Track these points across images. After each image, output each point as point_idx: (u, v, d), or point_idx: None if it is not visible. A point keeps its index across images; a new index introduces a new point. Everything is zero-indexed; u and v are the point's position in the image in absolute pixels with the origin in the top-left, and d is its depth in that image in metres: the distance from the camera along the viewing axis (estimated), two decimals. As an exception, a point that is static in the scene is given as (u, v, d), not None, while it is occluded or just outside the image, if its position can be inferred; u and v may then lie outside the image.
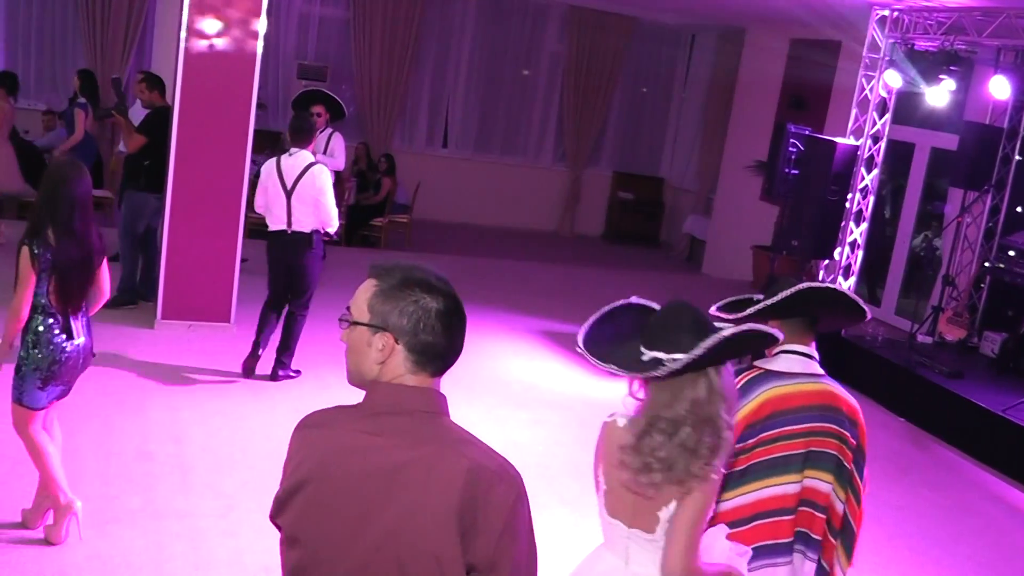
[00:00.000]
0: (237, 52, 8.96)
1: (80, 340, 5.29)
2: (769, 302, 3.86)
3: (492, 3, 18.14)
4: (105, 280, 5.43)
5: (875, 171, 11.34)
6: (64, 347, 5.22)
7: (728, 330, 3.18)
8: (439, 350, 2.55)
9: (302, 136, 8.29)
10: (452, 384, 8.43)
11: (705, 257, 17.03)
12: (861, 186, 11.26)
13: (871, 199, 11.40)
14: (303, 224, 8.23)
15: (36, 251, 5.13)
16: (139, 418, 7.20)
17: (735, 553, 3.57)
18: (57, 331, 5.21)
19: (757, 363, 4.00)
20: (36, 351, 5.18)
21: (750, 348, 3.52)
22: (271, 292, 8.53)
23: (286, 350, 8.54)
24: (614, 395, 9.36)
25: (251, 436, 7.17)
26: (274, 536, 5.73)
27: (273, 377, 8.43)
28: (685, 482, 3.14)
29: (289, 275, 8.42)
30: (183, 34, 8.85)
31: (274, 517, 2.61)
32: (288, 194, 8.16)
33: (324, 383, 8.44)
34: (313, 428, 2.60)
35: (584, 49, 18.32)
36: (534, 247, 17.24)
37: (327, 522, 2.41)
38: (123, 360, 8.28)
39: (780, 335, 3.38)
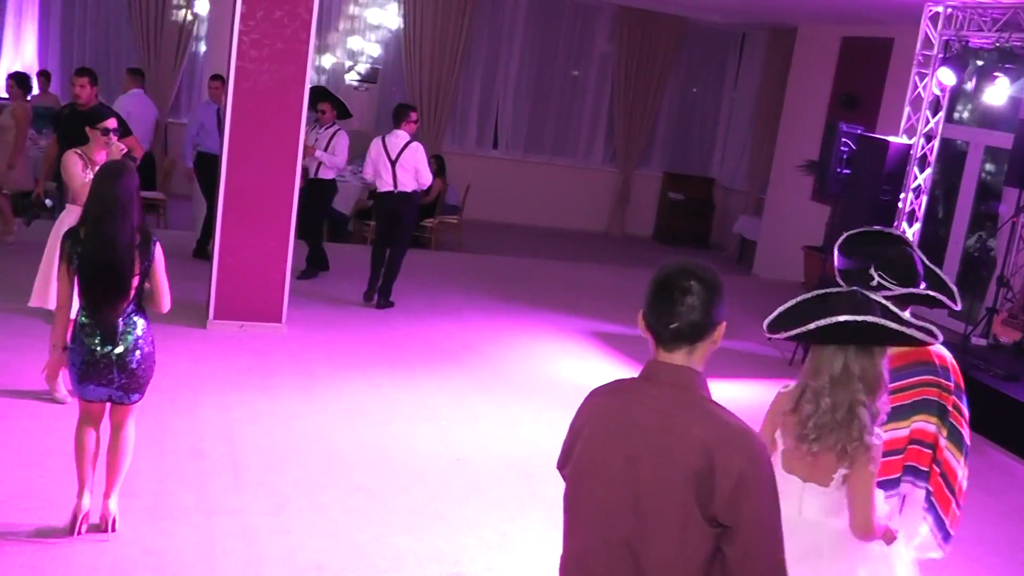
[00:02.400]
0: (289, 55, 9.03)
1: (111, 348, 5.27)
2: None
3: (542, 4, 18.14)
4: (157, 290, 5.44)
5: (928, 170, 11.22)
6: (93, 350, 5.26)
7: (849, 316, 3.57)
8: (657, 329, 2.88)
9: (399, 121, 10.97)
10: (503, 384, 8.54)
11: (756, 258, 16.93)
12: (914, 186, 11.15)
13: (924, 199, 11.29)
14: (405, 185, 10.80)
15: (67, 247, 5.24)
16: (191, 417, 7.28)
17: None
18: (90, 332, 5.28)
19: None
20: (73, 346, 5.30)
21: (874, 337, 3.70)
22: (378, 238, 11.26)
23: (389, 283, 10.94)
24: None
25: (303, 435, 7.21)
26: (326, 536, 5.79)
27: (380, 306, 10.81)
28: (845, 451, 3.61)
29: (392, 224, 10.95)
30: (235, 38, 8.93)
31: (561, 467, 3.09)
32: (393, 163, 10.72)
33: (375, 383, 8.48)
34: (597, 395, 3.00)
35: (634, 49, 18.28)
36: (584, 248, 17.23)
37: (597, 465, 2.85)
38: (175, 360, 8.36)
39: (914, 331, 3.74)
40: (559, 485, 6.97)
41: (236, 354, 8.75)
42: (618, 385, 2.96)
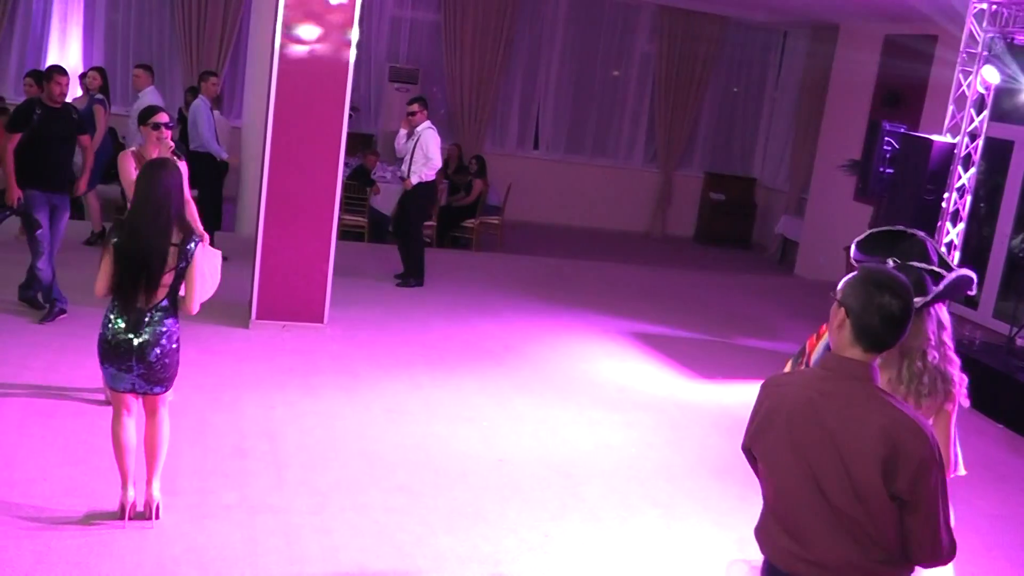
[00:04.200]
0: (330, 56, 9.07)
1: (132, 336, 5.33)
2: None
3: (582, 4, 18.13)
4: (188, 292, 5.45)
5: (972, 169, 11.10)
6: (116, 332, 5.35)
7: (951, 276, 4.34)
8: (872, 333, 3.26)
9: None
10: (545, 385, 8.52)
11: (798, 258, 16.83)
12: (958, 185, 11.02)
13: (968, 198, 11.16)
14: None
15: (110, 236, 5.38)
16: (234, 416, 7.32)
17: None
18: (115, 316, 5.36)
19: None
20: (102, 326, 5.42)
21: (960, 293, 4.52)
22: (394, 228, 12.30)
23: (409, 270, 11.80)
24: (705, 398, 9.33)
25: (345, 435, 7.24)
26: (367, 535, 5.81)
27: (398, 284, 11.66)
28: (937, 400, 4.23)
29: (400, 215, 11.94)
30: (278, 39, 8.98)
31: (747, 447, 3.57)
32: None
33: (417, 383, 8.50)
34: (783, 386, 3.48)
35: (675, 49, 18.24)
36: (625, 248, 17.20)
37: (788, 445, 3.34)
38: (218, 359, 8.43)
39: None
40: (600, 486, 7.00)
41: (278, 354, 8.80)
42: (804, 378, 3.50)
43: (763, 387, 3.55)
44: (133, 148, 7.28)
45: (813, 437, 3.26)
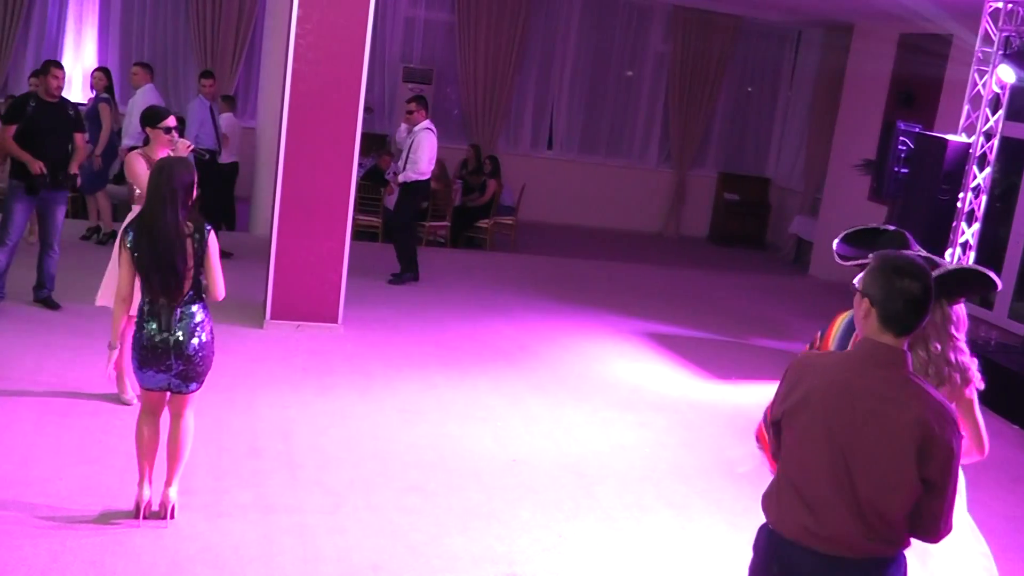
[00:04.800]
0: (344, 57, 9.09)
1: (168, 335, 5.37)
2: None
3: (596, 4, 18.12)
4: (210, 279, 5.51)
5: (988, 169, 11.06)
6: (152, 335, 5.38)
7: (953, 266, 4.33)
8: (899, 319, 3.38)
9: None
10: (559, 385, 8.52)
11: (812, 259, 16.78)
12: (973, 185, 10.99)
13: (983, 198, 11.13)
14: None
15: (125, 239, 5.41)
16: (249, 415, 7.34)
17: None
18: (148, 318, 5.40)
19: None
20: (135, 332, 5.45)
21: (973, 287, 4.48)
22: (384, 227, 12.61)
23: (402, 266, 11.84)
24: (719, 398, 9.32)
25: (359, 435, 7.25)
26: (382, 535, 5.83)
27: (389, 281, 11.68)
28: (952, 390, 4.18)
29: (393, 214, 12.14)
30: (291, 40, 9.00)
31: (774, 420, 3.68)
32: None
33: (431, 383, 8.51)
34: (813, 366, 3.62)
35: (689, 49, 18.21)
36: (639, 249, 17.18)
37: (824, 430, 3.45)
38: (232, 359, 8.44)
39: (999, 282, 4.33)
40: (614, 486, 7.00)
41: (293, 354, 8.82)
42: (840, 363, 3.55)
43: (795, 365, 3.66)
44: (140, 149, 7.29)
45: (849, 420, 3.39)
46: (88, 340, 8.32)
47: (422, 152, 11.56)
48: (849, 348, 4.58)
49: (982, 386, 4.34)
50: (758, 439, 4.91)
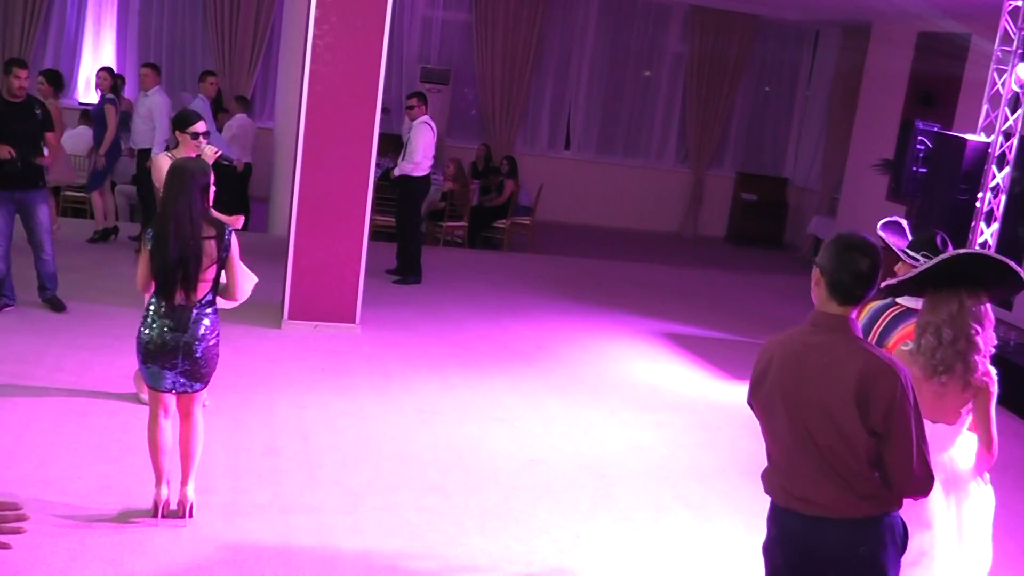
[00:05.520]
0: (362, 57, 9.10)
1: (183, 333, 5.38)
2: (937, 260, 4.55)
3: (614, 4, 18.10)
4: (231, 280, 5.55)
5: (1007, 169, 11.01)
6: (163, 332, 5.39)
7: (965, 251, 4.42)
8: (845, 289, 3.64)
9: None
10: (576, 385, 8.52)
11: (830, 259, 16.71)
12: (992, 185, 10.94)
13: (1002, 198, 11.08)
14: (403, 169, 11.78)
15: (145, 234, 5.48)
16: (267, 415, 7.36)
17: None
18: (162, 316, 5.40)
19: (900, 301, 4.96)
20: (142, 327, 5.47)
21: (982, 273, 4.44)
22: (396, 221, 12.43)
23: (404, 263, 11.86)
24: (737, 399, 9.26)
25: (377, 435, 7.26)
26: (401, 535, 5.84)
27: (395, 281, 11.65)
28: (968, 382, 4.36)
29: (399, 208, 12.26)
30: (309, 40, 9.02)
31: (751, 398, 3.91)
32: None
33: (449, 383, 8.52)
34: (778, 344, 3.83)
35: (706, 49, 18.18)
36: (656, 249, 17.16)
37: (779, 393, 3.72)
38: (250, 359, 8.47)
39: (1018, 267, 4.35)
40: (632, 486, 7.00)
41: (310, 354, 8.84)
42: (793, 334, 3.79)
43: (763, 346, 3.92)
44: (167, 152, 7.32)
45: (800, 384, 3.65)
46: (107, 340, 8.35)
47: (417, 144, 11.59)
48: (871, 337, 4.84)
49: (995, 388, 4.41)
50: None
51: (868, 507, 3.66)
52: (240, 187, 13.71)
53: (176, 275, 5.35)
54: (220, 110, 14.79)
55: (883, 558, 3.70)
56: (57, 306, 9.07)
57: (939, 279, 4.39)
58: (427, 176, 11.94)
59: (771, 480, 3.86)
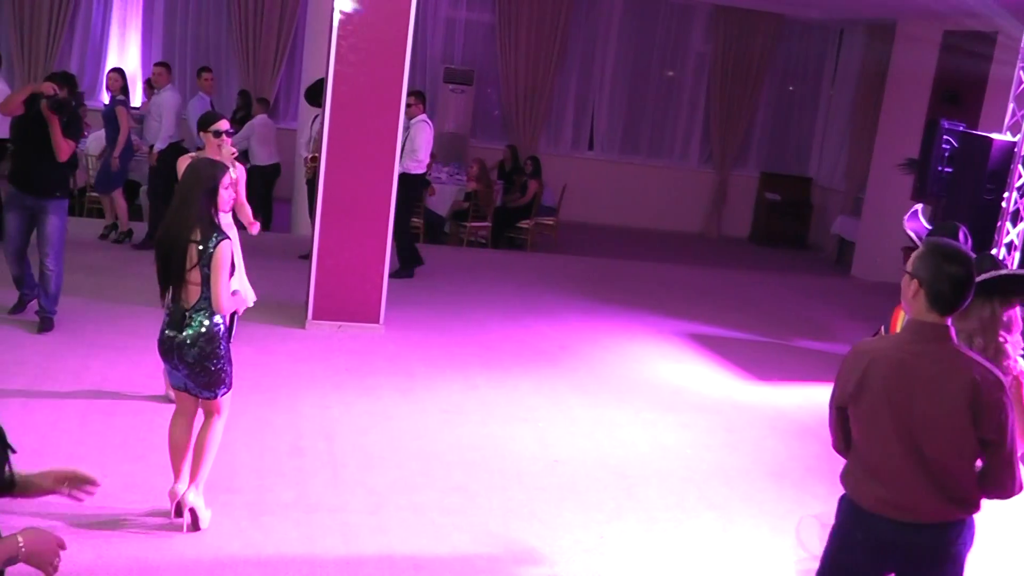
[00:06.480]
0: (385, 58, 9.11)
1: (175, 334, 5.35)
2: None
3: (637, 5, 18.09)
4: (212, 290, 5.30)
5: (1034, 169, 10.94)
6: (163, 327, 5.43)
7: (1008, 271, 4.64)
8: (945, 298, 3.73)
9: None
10: (600, 386, 8.48)
11: (854, 259, 16.67)
12: (1018, 184, 10.85)
13: (1030, 198, 11.01)
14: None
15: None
16: (291, 415, 7.38)
17: None
18: (167, 311, 5.44)
19: None
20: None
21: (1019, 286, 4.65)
22: None
23: (398, 257, 11.43)
24: (762, 399, 9.25)
25: (400, 435, 7.27)
26: (424, 535, 5.82)
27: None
28: None
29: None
30: (333, 42, 9.04)
31: (839, 407, 4.00)
32: None
33: (472, 384, 8.52)
34: (867, 351, 3.92)
35: (730, 49, 18.15)
36: (680, 249, 17.14)
37: (886, 403, 3.79)
38: (275, 359, 8.50)
39: None
40: (656, 487, 6.98)
41: (334, 354, 8.86)
42: (892, 343, 3.89)
43: (852, 354, 3.99)
44: (194, 153, 7.36)
45: (907, 393, 3.73)
46: (132, 340, 8.39)
47: (419, 142, 11.64)
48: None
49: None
50: None
51: (960, 511, 3.80)
52: (264, 188, 13.76)
53: (162, 269, 5.36)
54: (247, 110, 14.88)
55: (966, 556, 3.88)
56: (44, 324, 8.57)
57: (983, 289, 4.48)
58: (424, 174, 11.97)
59: (860, 486, 3.93)
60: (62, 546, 3.05)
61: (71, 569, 5.02)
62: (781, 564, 6.04)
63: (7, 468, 3.13)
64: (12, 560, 2.88)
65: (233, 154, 7.30)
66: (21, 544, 2.91)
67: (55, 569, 3.03)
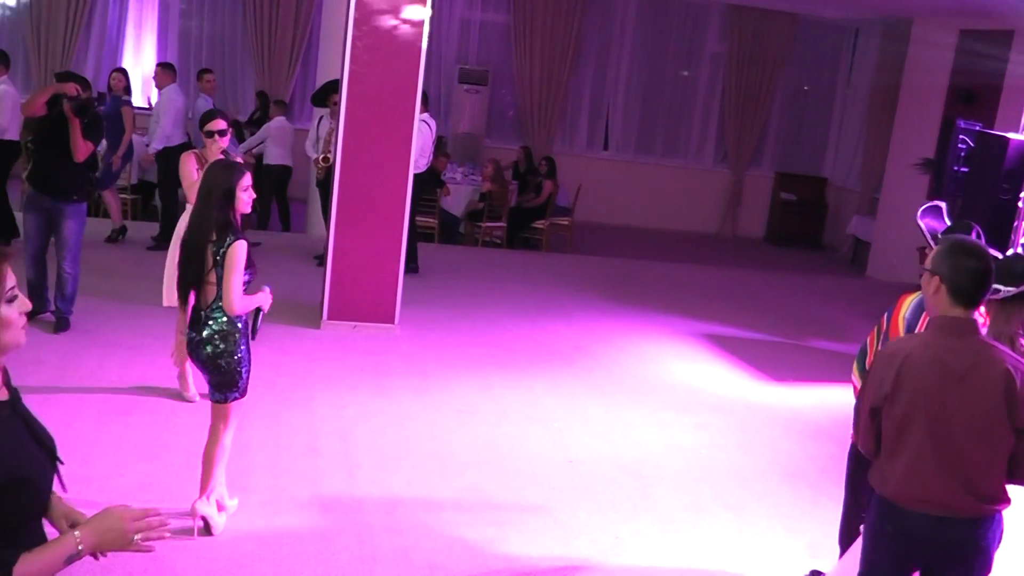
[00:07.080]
0: (401, 58, 9.12)
1: (195, 333, 5.36)
2: None
3: (652, 5, 18.07)
4: (223, 289, 5.26)
5: (1051, 169, 10.89)
6: (187, 330, 5.46)
7: None
8: (967, 292, 3.86)
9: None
10: (615, 386, 8.48)
11: (870, 259, 16.61)
12: (1036, 184, 10.83)
13: (1047, 198, 10.96)
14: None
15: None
16: (306, 415, 7.39)
17: None
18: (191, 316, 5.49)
19: None
20: None
21: None
22: None
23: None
24: (777, 399, 9.23)
25: (415, 435, 7.28)
26: (439, 535, 5.82)
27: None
28: None
29: None
30: (348, 43, 9.05)
31: (872, 408, 4.02)
32: None
33: (487, 384, 8.52)
34: (898, 353, 3.97)
35: (745, 48, 18.11)
36: (695, 249, 17.11)
37: (923, 400, 3.86)
38: (290, 359, 8.51)
39: None
40: (671, 488, 6.97)
41: (349, 354, 8.87)
42: (921, 341, 3.99)
43: (883, 357, 4.07)
44: (197, 151, 7.39)
45: (942, 388, 3.82)
46: (148, 340, 8.42)
47: (419, 142, 11.57)
48: (920, 327, 4.93)
49: None
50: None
51: (990, 507, 3.91)
52: (274, 188, 13.80)
53: (182, 268, 5.41)
54: (264, 112, 14.90)
55: (995, 550, 4.00)
56: (60, 324, 8.64)
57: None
58: (423, 173, 11.94)
59: (894, 484, 3.99)
60: (137, 517, 2.96)
61: (87, 567, 5.04)
62: (796, 565, 6.02)
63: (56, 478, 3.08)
64: (72, 558, 2.75)
65: (235, 154, 7.32)
66: (79, 540, 2.79)
67: (141, 540, 2.94)
